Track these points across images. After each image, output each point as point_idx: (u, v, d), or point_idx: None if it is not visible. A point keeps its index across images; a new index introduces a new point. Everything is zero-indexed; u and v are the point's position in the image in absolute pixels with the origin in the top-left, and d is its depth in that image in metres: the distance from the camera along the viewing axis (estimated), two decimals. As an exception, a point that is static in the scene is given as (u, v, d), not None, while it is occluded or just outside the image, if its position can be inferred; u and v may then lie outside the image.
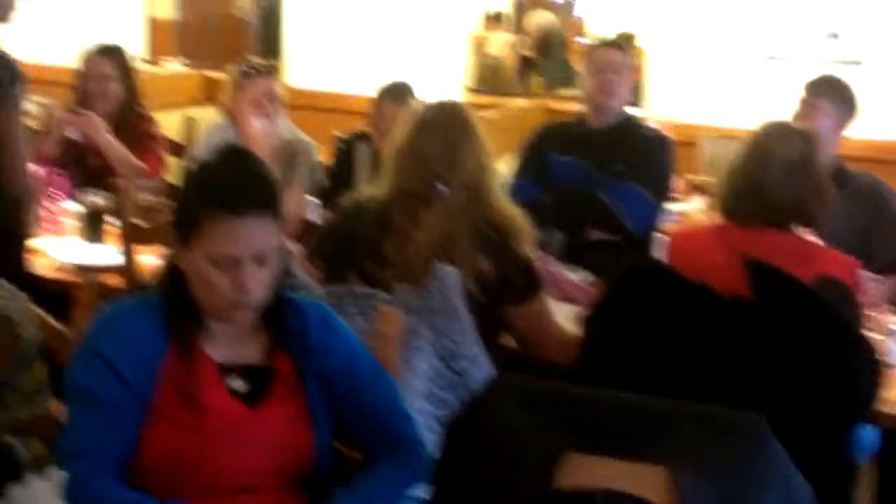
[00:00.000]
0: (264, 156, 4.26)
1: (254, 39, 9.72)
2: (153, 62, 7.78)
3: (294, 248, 3.26)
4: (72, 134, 4.80)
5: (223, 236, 2.21)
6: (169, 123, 5.56)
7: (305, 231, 4.19)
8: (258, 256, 2.23)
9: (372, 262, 2.97)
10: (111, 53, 4.95)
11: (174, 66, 7.88)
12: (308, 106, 5.69)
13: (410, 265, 2.93)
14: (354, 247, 3.03)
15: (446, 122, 3.06)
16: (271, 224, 2.25)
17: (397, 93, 4.61)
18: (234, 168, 2.26)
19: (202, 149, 4.75)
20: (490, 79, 7.96)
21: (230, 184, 2.23)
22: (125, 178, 4.62)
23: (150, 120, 5.04)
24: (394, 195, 3.04)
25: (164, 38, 8.72)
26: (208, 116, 6.35)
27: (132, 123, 4.93)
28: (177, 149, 5.50)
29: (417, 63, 6.92)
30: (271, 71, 4.82)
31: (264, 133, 4.62)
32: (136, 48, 7.35)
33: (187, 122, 5.67)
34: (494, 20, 10.21)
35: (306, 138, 4.84)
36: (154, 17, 7.84)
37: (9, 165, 3.70)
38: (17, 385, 2.49)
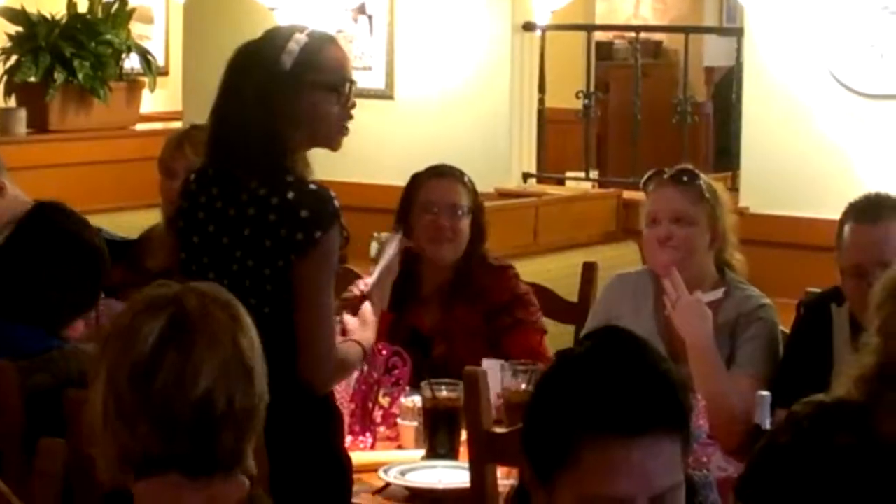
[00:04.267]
0: (691, 328, 3.63)
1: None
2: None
3: (733, 467, 3.08)
4: None
5: (607, 470, 1.93)
6: (558, 272, 4.53)
7: (751, 438, 3.22)
8: (656, 499, 1.92)
9: None
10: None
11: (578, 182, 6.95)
12: (768, 241, 4.65)
13: None
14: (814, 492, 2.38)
15: None
16: (677, 451, 1.94)
17: (874, 212, 3.56)
18: (627, 366, 1.94)
19: (598, 317, 3.91)
20: None
21: (620, 392, 1.93)
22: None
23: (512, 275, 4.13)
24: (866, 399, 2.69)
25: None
26: (620, 260, 5.53)
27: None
28: (563, 312, 4.32)
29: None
30: (693, 182, 3.75)
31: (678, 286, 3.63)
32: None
33: (585, 270, 4.51)
34: None
35: (760, 296, 3.80)
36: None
37: (308, 347, 2.92)
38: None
